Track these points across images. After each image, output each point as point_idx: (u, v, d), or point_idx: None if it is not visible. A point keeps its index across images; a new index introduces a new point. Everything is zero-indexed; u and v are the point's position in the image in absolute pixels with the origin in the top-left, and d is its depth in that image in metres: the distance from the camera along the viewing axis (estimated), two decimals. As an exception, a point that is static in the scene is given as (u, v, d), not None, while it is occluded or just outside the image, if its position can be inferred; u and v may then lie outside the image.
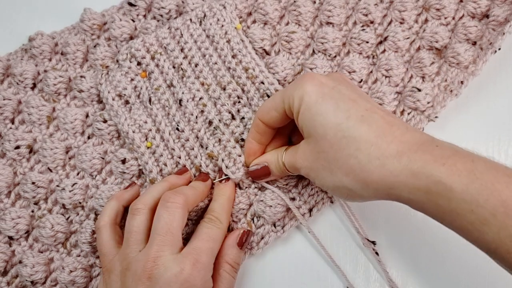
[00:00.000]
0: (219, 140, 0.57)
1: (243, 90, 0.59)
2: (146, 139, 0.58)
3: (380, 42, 0.61)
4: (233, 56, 0.60)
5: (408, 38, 0.60)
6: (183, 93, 0.59)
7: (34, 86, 0.62)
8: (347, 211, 0.57)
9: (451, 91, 0.58)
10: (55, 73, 0.61)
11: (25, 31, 0.63)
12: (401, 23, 0.61)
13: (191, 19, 0.61)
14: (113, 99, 0.59)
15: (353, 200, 0.49)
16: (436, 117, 0.58)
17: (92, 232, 0.57)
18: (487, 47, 0.58)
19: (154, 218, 0.51)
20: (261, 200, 0.56)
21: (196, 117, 0.58)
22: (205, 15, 0.62)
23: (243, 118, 0.58)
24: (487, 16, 0.59)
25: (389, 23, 0.61)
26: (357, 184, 0.45)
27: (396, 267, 0.57)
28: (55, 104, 0.61)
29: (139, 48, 0.60)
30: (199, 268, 0.49)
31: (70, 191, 0.58)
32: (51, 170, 0.59)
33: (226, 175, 0.56)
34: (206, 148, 0.57)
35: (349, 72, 0.59)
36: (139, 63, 0.60)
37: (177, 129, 0.58)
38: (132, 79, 0.60)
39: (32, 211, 0.59)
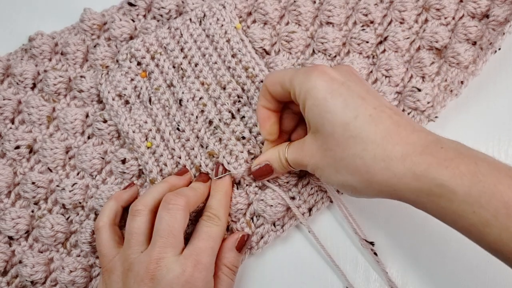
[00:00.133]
0: (220, 139, 0.57)
1: (243, 89, 0.59)
2: (146, 139, 0.58)
3: (380, 42, 0.61)
4: (233, 56, 0.60)
5: (408, 38, 0.60)
6: (183, 93, 0.59)
7: (34, 86, 0.62)
8: (345, 212, 0.57)
9: (451, 91, 0.58)
10: (55, 73, 0.61)
11: (25, 31, 0.63)
12: (401, 23, 0.61)
13: (190, 19, 0.62)
14: (113, 99, 0.60)
15: (358, 196, 0.49)
16: (436, 117, 0.58)
17: (92, 232, 0.57)
18: (487, 47, 0.58)
19: (156, 220, 0.51)
20: (262, 200, 0.56)
21: (197, 117, 0.58)
22: (204, 15, 0.62)
23: (243, 117, 0.58)
24: (487, 16, 0.59)
25: (389, 23, 0.61)
26: (362, 184, 0.45)
27: (397, 267, 0.57)
28: (55, 104, 0.61)
29: (139, 48, 0.60)
30: (200, 269, 0.49)
31: (70, 191, 0.58)
32: (51, 170, 0.59)
33: (228, 171, 0.56)
34: (207, 147, 0.57)
35: (349, 72, 0.59)
36: (139, 63, 0.60)
37: (178, 129, 0.58)
38: (132, 79, 0.60)
39: (32, 211, 0.59)
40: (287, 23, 0.63)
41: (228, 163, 0.56)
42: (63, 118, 0.60)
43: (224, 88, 0.59)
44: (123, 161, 0.58)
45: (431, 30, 0.60)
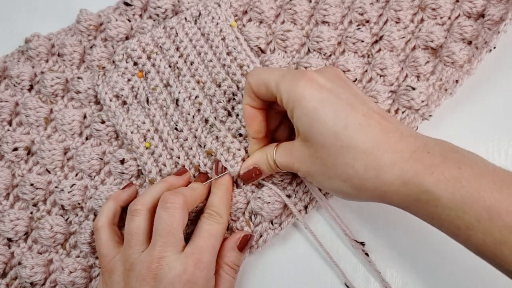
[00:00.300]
0: (216, 137, 0.57)
1: (238, 87, 0.59)
2: (145, 140, 0.58)
3: (376, 41, 0.61)
4: (228, 53, 0.60)
5: (403, 37, 0.60)
6: (179, 92, 0.59)
7: (31, 87, 0.62)
8: (332, 213, 0.57)
9: (446, 90, 0.59)
10: (52, 75, 0.61)
11: (25, 31, 0.63)
12: (396, 22, 0.61)
13: (186, 18, 0.61)
14: (111, 100, 0.60)
15: (349, 200, 0.50)
16: (430, 115, 0.58)
17: (91, 233, 0.57)
18: (482, 46, 0.58)
19: (155, 220, 0.51)
20: (259, 197, 0.57)
21: (193, 116, 0.58)
22: (200, 14, 0.62)
23: (238, 114, 0.58)
24: (483, 16, 0.59)
25: (385, 23, 0.62)
26: (354, 190, 0.47)
27: (396, 267, 0.57)
28: (52, 105, 0.61)
29: (135, 48, 0.60)
30: (201, 268, 0.50)
31: (69, 192, 0.58)
32: (49, 172, 0.59)
33: (225, 168, 0.56)
34: (204, 146, 0.57)
35: (344, 71, 0.60)
36: (135, 63, 0.60)
37: (176, 129, 0.58)
38: (129, 80, 0.60)
39: (31, 213, 0.59)
40: (283, 22, 0.63)
41: (226, 160, 0.56)
42: (61, 120, 0.60)
43: (219, 86, 0.59)
44: (122, 162, 0.58)
45: (426, 29, 0.60)
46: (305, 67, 0.60)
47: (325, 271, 0.58)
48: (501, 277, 0.43)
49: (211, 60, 0.60)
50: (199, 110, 0.58)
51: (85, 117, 0.61)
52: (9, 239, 0.58)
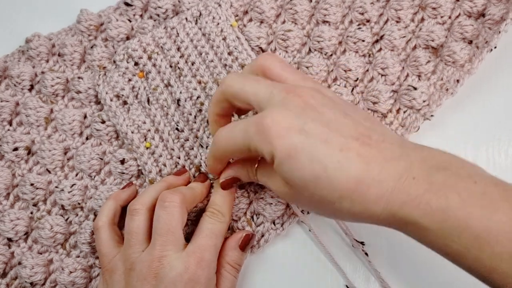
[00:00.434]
0: None
1: (239, 87, 0.59)
2: (145, 140, 0.58)
3: (376, 41, 0.61)
4: (229, 53, 0.60)
5: (404, 36, 0.60)
6: (180, 92, 0.59)
7: (31, 87, 0.62)
8: None
9: (447, 89, 0.58)
10: (52, 75, 0.61)
11: (25, 31, 0.63)
12: (397, 21, 0.61)
13: (186, 18, 0.61)
14: (111, 100, 0.60)
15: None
16: (432, 115, 0.58)
17: (91, 233, 0.57)
18: (483, 45, 0.58)
19: (154, 219, 0.51)
20: (261, 198, 0.57)
21: (195, 116, 0.58)
22: (200, 14, 0.62)
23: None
24: (483, 15, 0.59)
25: (385, 22, 0.62)
26: (342, 219, 0.48)
27: (396, 267, 0.57)
28: (52, 105, 0.61)
29: (135, 48, 0.60)
30: (203, 266, 0.49)
31: (69, 192, 0.58)
32: (49, 172, 0.59)
33: None
34: (206, 147, 0.57)
35: (345, 71, 0.60)
36: (136, 63, 0.60)
37: (177, 129, 0.58)
38: (129, 80, 0.60)
39: (31, 213, 0.59)
40: (284, 22, 0.63)
41: None
42: (61, 119, 0.60)
43: (221, 86, 0.59)
44: (122, 162, 0.58)
45: (427, 29, 0.60)
46: (307, 67, 0.60)
47: (325, 270, 0.58)
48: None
49: (212, 60, 0.60)
50: (200, 110, 0.58)
51: (85, 117, 0.61)
52: (9, 239, 0.58)
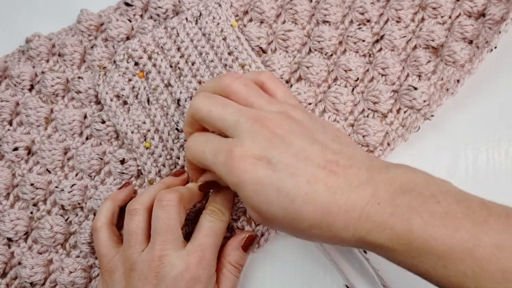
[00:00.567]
0: None
1: (239, 87, 0.59)
2: (145, 140, 0.58)
3: (377, 41, 0.61)
4: (230, 53, 0.60)
5: (404, 36, 0.60)
6: (181, 92, 0.59)
7: (31, 87, 0.62)
8: None
9: (447, 89, 0.58)
10: (52, 75, 0.61)
11: (25, 31, 0.63)
12: (397, 21, 0.61)
13: (187, 18, 0.61)
14: (111, 100, 0.60)
15: None
16: (432, 115, 0.58)
17: (91, 233, 0.57)
18: (483, 45, 0.58)
19: (152, 219, 0.51)
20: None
21: (194, 117, 0.58)
22: (200, 14, 0.62)
23: None
24: (484, 15, 0.59)
25: (386, 22, 0.61)
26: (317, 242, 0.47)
27: (394, 265, 0.57)
28: (53, 105, 0.61)
29: (136, 48, 0.60)
30: (204, 265, 0.50)
31: (69, 192, 0.58)
32: (49, 172, 0.59)
33: None
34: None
35: (346, 71, 0.60)
36: (136, 63, 0.60)
37: (177, 129, 0.58)
38: (129, 80, 0.60)
39: (31, 213, 0.59)
40: (284, 22, 0.63)
41: None
42: (61, 119, 0.60)
43: (221, 86, 0.59)
44: (122, 162, 0.58)
45: (427, 28, 0.60)
46: (307, 67, 0.60)
47: (325, 270, 0.58)
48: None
49: (212, 60, 0.60)
50: (200, 110, 0.58)
51: (85, 117, 0.61)
52: (9, 239, 0.58)
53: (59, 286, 0.57)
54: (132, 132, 0.58)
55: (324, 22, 0.62)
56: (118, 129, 0.59)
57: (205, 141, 0.47)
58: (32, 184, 0.58)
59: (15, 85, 0.61)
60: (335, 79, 0.61)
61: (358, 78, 0.60)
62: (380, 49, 0.61)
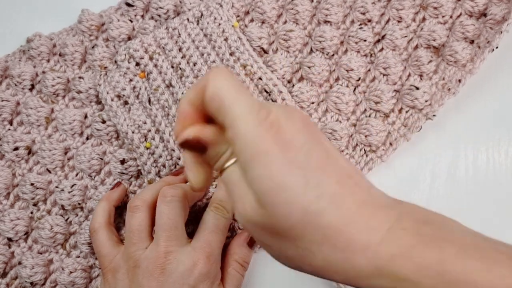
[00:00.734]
0: None
1: (241, 88, 0.59)
2: (146, 140, 0.58)
3: (378, 41, 0.61)
4: (231, 54, 0.60)
5: (405, 36, 0.60)
6: (182, 93, 0.59)
7: (32, 87, 0.62)
8: None
9: (449, 89, 0.58)
10: (53, 74, 0.61)
11: (26, 31, 0.63)
12: (398, 21, 0.61)
13: (188, 19, 0.61)
14: (112, 100, 0.59)
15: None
16: (434, 115, 0.58)
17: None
18: (485, 45, 0.58)
19: (156, 215, 0.51)
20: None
21: (196, 117, 0.58)
22: (202, 14, 0.62)
23: None
24: (485, 15, 0.59)
25: (387, 22, 0.61)
26: (308, 268, 0.38)
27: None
28: (53, 105, 0.61)
29: (137, 48, 0.60)
30: (212, 261, 0.49)
31: (69, 192, 0.58)
32: (50, 171, 0.59)
33: None
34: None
35: (347, 71, 0.60)
36: (137, 64, 0.60)
37: (177, 129, 0.58)
38: (131, 80, 0.60)
39: (31, 213, 0.59)
40: (285, 22, 0.63)
41: None
42: (62, 119, 0.60)
43: (223, 87, 0.59)
44: (122, 162, 0.58)
45: (428, 28, 0.60)
46: (309, 67, 0.60)
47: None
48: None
49: (214, 61, 0.60)
50: (201, 111, 0.58)
51: (86, 117, 0.61)
52: (9, 239, 0.58)
53: (59, 286, 0.56)
54: (133, 132, 0.58)
55: (326, 22, 0.62)
56: (119, 129, 0.59)
57: (241, 86, 0.37)
58: (32, 184, 0.58)
59: (15, 85, 0.61)
60: (337, 79, 0.61)
61: (359, 78, 0.60)
62: (382, 49, 0.61)
